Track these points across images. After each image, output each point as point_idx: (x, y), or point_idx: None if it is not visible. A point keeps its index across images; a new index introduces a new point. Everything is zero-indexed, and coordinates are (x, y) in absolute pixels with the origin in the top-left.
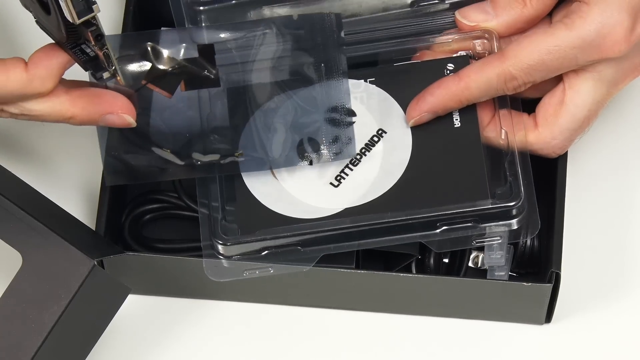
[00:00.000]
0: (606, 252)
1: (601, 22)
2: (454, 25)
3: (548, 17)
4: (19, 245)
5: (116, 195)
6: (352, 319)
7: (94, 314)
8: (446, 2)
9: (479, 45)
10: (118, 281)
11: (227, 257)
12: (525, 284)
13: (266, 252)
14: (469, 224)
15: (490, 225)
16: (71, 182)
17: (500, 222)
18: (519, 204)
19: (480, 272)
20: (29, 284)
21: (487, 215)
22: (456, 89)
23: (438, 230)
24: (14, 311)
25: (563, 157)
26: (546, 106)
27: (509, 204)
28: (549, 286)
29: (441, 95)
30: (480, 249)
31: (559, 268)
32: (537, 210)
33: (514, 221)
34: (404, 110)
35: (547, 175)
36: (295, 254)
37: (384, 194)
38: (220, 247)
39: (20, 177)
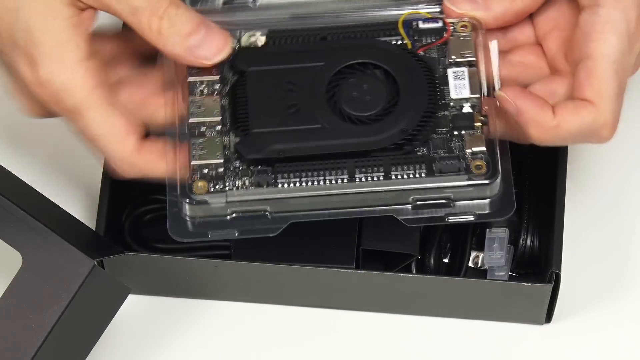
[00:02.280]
0: (606, 252)
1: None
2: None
3: (529, 19)
4: (18, 245)
5: (116, 195)
6: (352, 319)
7: (94, 314)
8: None
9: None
10: (118, 281)
11: (192, 218)
12: (525, 284)
13: (234, 215)
14: (443, 201)
15: (465, 204)
16: (71, 182)
17: (475, 202)
18: (494, 182)
19: (480, 272)
20: (29, 284)
21: (461, 193)
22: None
23: (410, 206)
24: (14, 311)
25: (563, 157)
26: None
27: (484, 182)
28: (549, 286)
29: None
30: (481, 249)
31: (559, 268)
32: (513, 192)
33: (489, 201)
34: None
35: (547, 175)
36: (263, 220)
37: None
38: (186, 207)
39: (20, 177)
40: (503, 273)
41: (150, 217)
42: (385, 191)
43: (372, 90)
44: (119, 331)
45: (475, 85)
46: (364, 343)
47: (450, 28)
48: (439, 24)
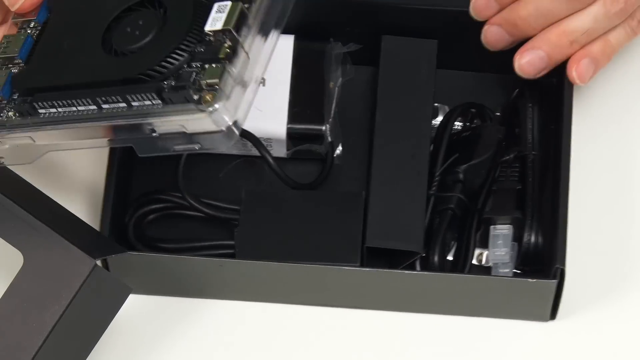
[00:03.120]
0: (611, 248)
1: None
2: None
3: None
4: (20, 244)
5: (120, 195)
6: (356, 318)
7: (95, 314)
8: None
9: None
10: (120, 281)
11: None
12: (530, 280)
13: (6, 146)
14: (177, 132)
15: (201, 136)
16: (75, 182)
17: (210, 135)
18: (219, 113)
19: (484, 270)
20: (30, 283)
21: (193, 124)
22: None
23: (150, 136)
24: (15, 311)
25: (566, 152)
26: None
27: (209, 112)
28: (554, 282)
29: None
30: (484, 246)
31: (564, 264)
32: (240, 125)
33: (221, 134)
34: None
35: (550, 170)
36: (28, 149)
37: None
38: None
39: (23, 176)
40: (507, 270)
41: (154, 216)
42: (128, 122)
43: (145, 26)
44: (120, 331)
45: (230, 19)
46: (368, 341)
47: None
48: None
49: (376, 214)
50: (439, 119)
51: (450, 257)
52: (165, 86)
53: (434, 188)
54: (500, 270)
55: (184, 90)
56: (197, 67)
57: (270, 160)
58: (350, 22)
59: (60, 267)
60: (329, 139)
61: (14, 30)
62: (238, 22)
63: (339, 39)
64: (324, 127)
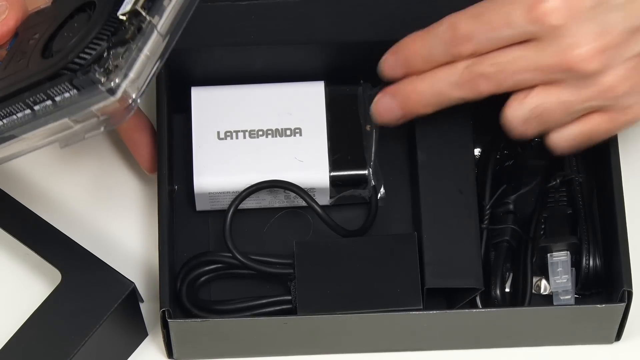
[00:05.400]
0: None
1: None
2: None
3: None
4: (59, 263)
5: (170, 262)
6: (420, 359)
7: (124, 339)
8: None
9: None
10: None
11: None
12: (598, 305)
13: None
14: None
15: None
16: (131, 256)
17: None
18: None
19: (544, 298)
20: (65, 299)
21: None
22: None
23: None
24: (47, 324)
25: (616, 169)
26: None
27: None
28: (622, 305)
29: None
30: (539, 273)
31: (630, 286)
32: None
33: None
34: None
35: (600, 191)
36: None
37: None
38: None
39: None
40: (569, 297)
41: (205, 279)
42: (53, 119)
43: (77, 27)
44: None
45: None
46: None
47: None
48: None
49: (432, 254)
50: (477, 149)
51: (507, 289)
52: (77, 75)
53: (485, 221)
54: (562, 298)
55: (90, 73)
56: (113, 53)
57: (319, 209)
58: (378, 62)
59: (97, 286)
60: (372, 182)
61: None
62: (147, 1)
63: (368, 80)
64: (367, 172)
